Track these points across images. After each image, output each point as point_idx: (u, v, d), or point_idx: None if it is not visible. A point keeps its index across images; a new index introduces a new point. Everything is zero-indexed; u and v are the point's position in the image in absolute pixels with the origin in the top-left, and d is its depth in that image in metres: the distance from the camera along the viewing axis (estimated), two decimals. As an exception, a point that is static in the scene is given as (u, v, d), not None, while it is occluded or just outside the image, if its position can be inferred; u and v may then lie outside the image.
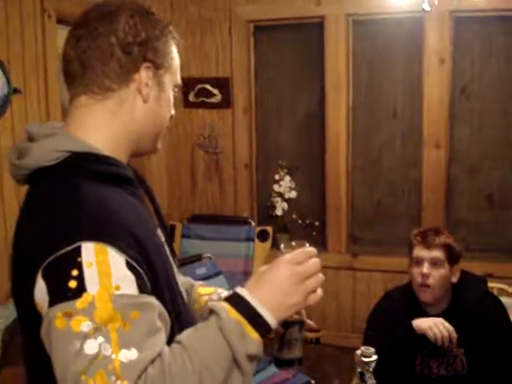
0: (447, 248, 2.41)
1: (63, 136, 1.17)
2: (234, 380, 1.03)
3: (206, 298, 1.47)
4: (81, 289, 0.98)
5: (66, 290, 0.98)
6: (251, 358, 1.05)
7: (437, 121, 3.79)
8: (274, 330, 1.11)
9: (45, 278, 1.01)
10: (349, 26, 3.90)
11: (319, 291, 1.14)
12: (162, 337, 1.04)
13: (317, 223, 4.10)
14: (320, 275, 1.14)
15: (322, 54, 3.95)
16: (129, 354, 0.97)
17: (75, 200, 1.08)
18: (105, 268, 1.00)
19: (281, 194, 4.07)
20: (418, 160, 3.90)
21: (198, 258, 3.59)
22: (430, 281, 2.40)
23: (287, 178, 4.07)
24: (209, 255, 3.60)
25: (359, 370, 1.68)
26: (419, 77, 3.82)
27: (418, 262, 2.44)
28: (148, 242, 1.12)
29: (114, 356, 0.96)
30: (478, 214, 3.91)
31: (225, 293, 1.46)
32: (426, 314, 2.47)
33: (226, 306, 1.07)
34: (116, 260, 1.02)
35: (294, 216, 4.12)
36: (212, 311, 1.07)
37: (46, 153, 1.13)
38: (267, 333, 1.07)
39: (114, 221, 1.07)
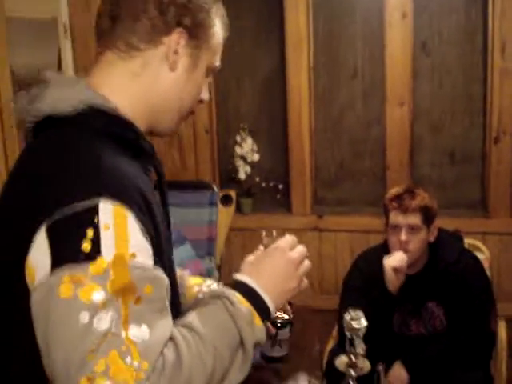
0: (424, 210, 2.38)
1: (84, 87, 1.06)
2: (237, 363, 0.98)
3: (196, 289, 1.42)
4: (95, 252, 0.87)
5: (77, 251, 0.86)
6: (256, 344, 1.04)
7: (400, 78, 3.74)
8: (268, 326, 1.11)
9: (50, 236, 0.87)
10: (308, -18, 3.78)
11: (305, 278, 1.17)
12: (170, 317, 0.95)
13: (281, 186, 4.04)
14: (307, 261, 1.18)
15: (281, 12, 3.83)
16: (140, 334, 0.86)
17: (94, 154, 0.96)
18: (122, 233, 0.90)
19: (243, 157, 3.97)
20: (380, 118, 3.86)
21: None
22: (410, 247, 2.38)
23: (249, 140, 3.97)
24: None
25: (348, 335, 1.64)
26: (381, 33, 3.74)
27: (395, 227, 2.40)
28: (158, 217, 1.03)
29: (124, 334, 0.85)
30: (441, 171, 3.91)
31: (214, 285, 1.45)
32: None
33: (235, 293, 1.04)
34: (134, 225, 0.92)
35: (258, 179, 4.03)
36: (220, 296, 1.03)
37: (62, 100, 1.02)
38: (267, 319, 1.07)
39: (131, 184, 0.97)
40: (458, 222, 3.66)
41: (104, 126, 1.03)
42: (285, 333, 1.50)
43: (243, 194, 4.05)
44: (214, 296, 1.04)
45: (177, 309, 1.11)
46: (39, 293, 0.86)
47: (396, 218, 2.39)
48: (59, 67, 3.40)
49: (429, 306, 2.42)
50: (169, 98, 1.14)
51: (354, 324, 1.60)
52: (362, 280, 2.50)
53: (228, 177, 4.12)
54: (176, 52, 1.10)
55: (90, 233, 0.87)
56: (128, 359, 0.83)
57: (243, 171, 3.99)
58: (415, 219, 2.36)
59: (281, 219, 3.98)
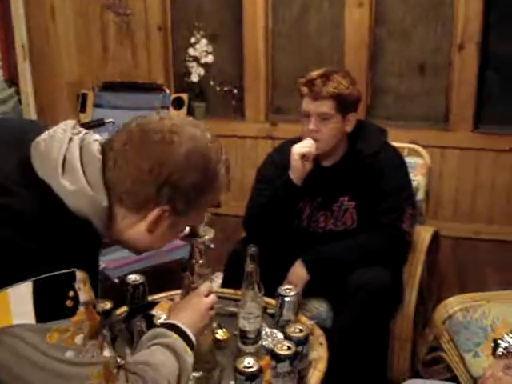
0: (337, 98, 2.21)
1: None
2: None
3: None
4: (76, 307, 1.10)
5: (62, 308, 1.11)
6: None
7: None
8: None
9: (35, 291, 1.05)
10: None
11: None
12: None
13: (235, 91, 3.87)
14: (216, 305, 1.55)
15: None
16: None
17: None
18: (87, 290, 1.14)
19: (196, 59, 3.80)
20: (340, 21, 3.64)
21: (99, 122, 3.38)
22: (319, 136, 2.23)
23: (203, 41, 3.78)
24: (111, 120, 3.39)
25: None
26: None
27: (306, 115, 2.25)
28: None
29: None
30: (403, 81, 3.70)
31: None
32: (318, 166, 2.32)
33: (172, 333, 1.36)
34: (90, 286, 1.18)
35: (212, 83, 3.87)
36: (162, 335, 1.34)
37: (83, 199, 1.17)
38: (193, 348, 1.37)
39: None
40: (417, 134, 3.51)
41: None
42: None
43: (196, 97, 3.88)
44: (158, 335, 1.34)
45: None
46: (19, 335, 1.05)
47: (307, 105, 2.22)
48: None
49: (341, 200, 2.28)
50: (138, 245, 1.31)
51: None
52: (274, 170, 2.37)
53: (181, 79, 3.95)
54: (156, 222, 1.23)
55: (71, 293, 1.09)
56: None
57: (196, 73, 3.82)
58: (326, 107, 2.19)
59: (234, 126, 3.85)
